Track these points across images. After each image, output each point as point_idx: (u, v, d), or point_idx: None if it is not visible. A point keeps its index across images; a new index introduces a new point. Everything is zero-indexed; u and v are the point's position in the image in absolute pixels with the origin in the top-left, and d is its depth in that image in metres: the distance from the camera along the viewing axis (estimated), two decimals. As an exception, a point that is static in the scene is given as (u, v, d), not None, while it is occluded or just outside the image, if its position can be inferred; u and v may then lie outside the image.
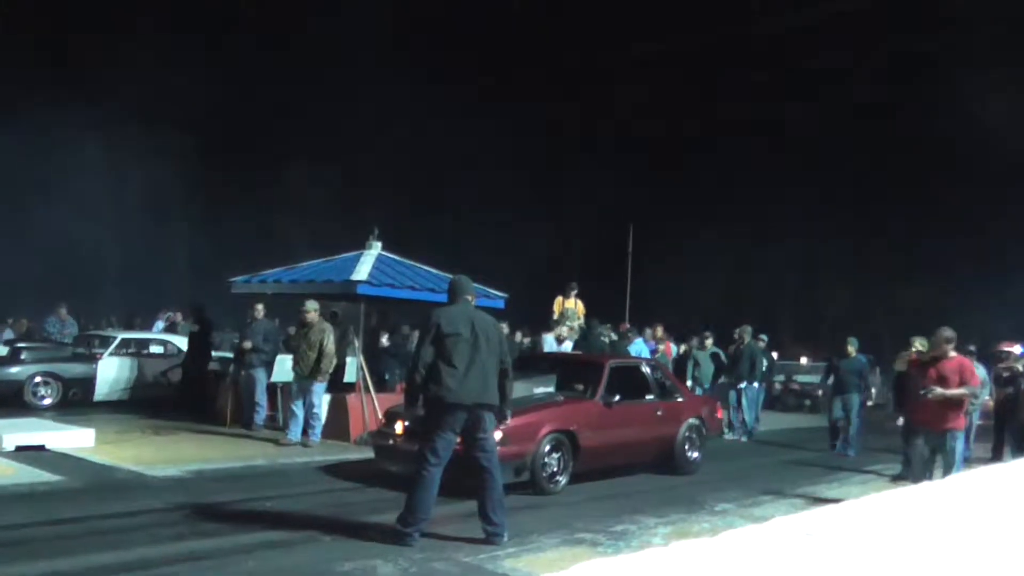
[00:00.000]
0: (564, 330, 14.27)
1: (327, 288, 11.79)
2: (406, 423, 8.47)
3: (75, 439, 9.81)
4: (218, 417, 12.42)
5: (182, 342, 15.15)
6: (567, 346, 13.86)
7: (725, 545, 6.48)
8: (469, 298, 6.63)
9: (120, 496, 7.63)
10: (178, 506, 7.29)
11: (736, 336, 14.74)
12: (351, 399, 11.60)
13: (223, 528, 6.64)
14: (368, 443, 9.96)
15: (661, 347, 15.68)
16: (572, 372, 10.05)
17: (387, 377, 13.68)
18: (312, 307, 11.28)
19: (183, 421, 12.27)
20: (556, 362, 10.96)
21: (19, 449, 9.32)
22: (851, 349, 12.99)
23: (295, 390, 11.09)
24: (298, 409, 10.96)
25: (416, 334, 15.43)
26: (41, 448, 9.47)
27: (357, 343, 12.05)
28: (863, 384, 13.12)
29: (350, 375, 13.21)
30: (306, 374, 10.96)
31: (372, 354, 13.27)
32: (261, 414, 11.48)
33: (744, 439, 14.08)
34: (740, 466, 11.63)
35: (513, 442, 8.24)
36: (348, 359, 13.29)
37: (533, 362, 10.96)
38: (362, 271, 11.54)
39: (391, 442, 8.65)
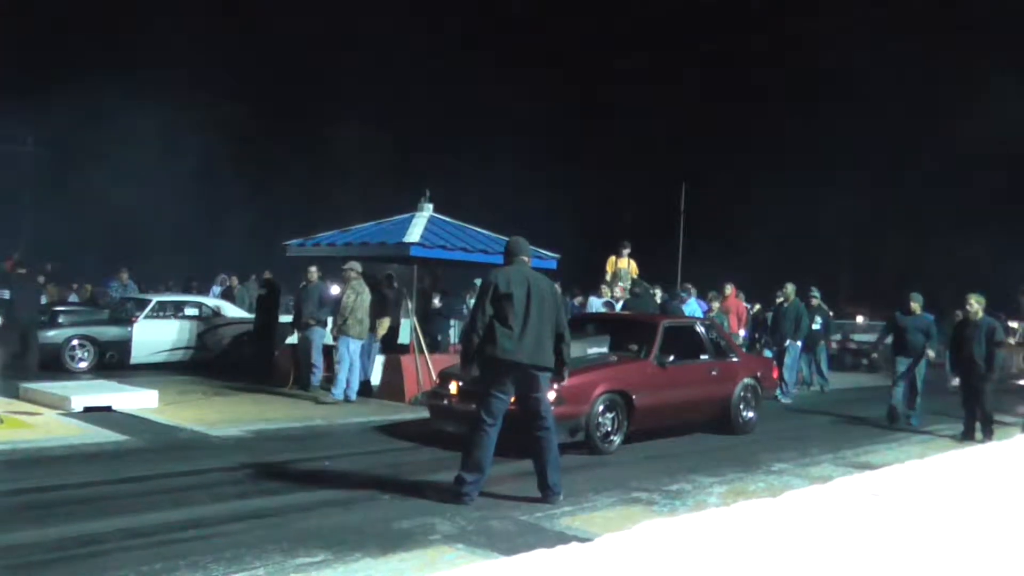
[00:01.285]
0: (617, 290, 14.15)
1: (380, 251, 11.87)
2: (460, 383, 8.51)
3: (140, 400, 10.06)
4: (279, 379, 12.62)
5: (219, 305, 15.37)
6: (619, 307, 13.75)
7: (788, 505, 6.43)
8: (525, 259, 6.59)
9: (184, 455, 7.81)
10: (240, 465, 7.43)
11: (780, 295, 14.36)
12: (405, 360, 11.70)
13: (284, 486, 6.74)
14: (423, 403, 10.03)
15: (715, 307, 15.39)
16: (626, 332, 9.99)
17: (439, 338, 13.73)
18: (354, 267, 11.36)
19: (243, 382, 12.51)
20: (610, 322, 10.90)
21: (87, 410, 9.59)
22: (915, 306, 11.85)
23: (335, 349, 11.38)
24: (343, 363, 11.21)
25: (470, 296, 15.60)
26: (108, 409, 9.73)
27: (411, 304, 12.10)
28: (929, 342, 11.80)
29: (404, 336, 13.32)
30: (337, 332, 11.27)
31: (425, 315, 13.32)
32: (318, 375, 11.64)
33: (788, 400, 13.72)
34: (796, 426, 11.49)
35: (568, 402, 8.24)
36: (402, 320, 13.38)
37: (587, 322, 10.91)
38: (414, 233, 11.59)
39: (446, 402, 8.70)
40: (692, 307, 13.96)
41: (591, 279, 17.04)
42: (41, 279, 17.83)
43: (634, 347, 9.64)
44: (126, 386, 10.71)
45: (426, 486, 6.77)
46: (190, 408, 10.26)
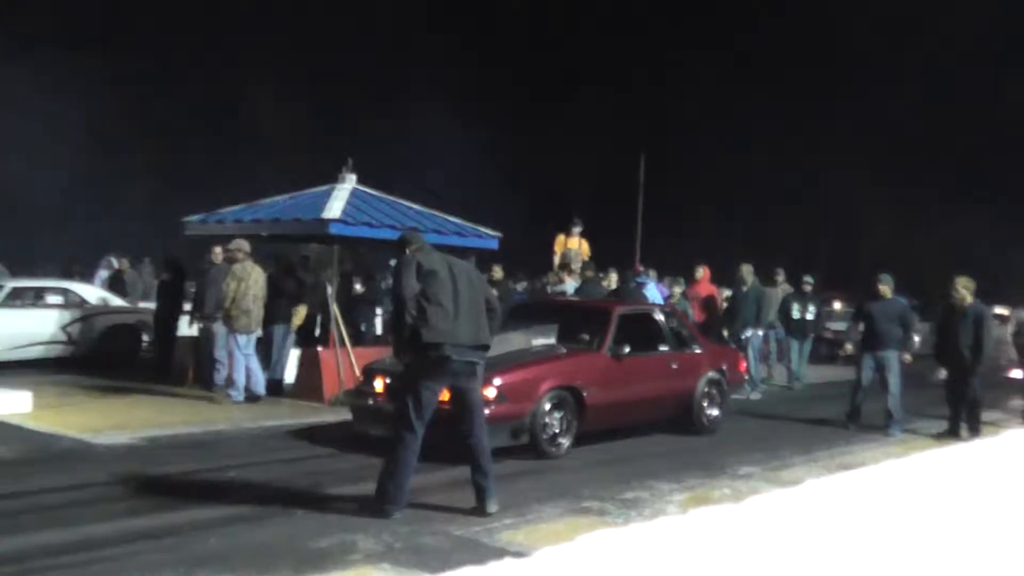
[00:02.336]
0: (564, 275, 14.21)
1: (295, 228, 11.76)
2: (387, 380, 8.48)
3: (8, 403, 9.77)
4: (177, 378, 12.43)
5: (87, 291, 14.91)
6: (567, 291, 13.79)
7: (751, 512, 6.54)
8: (428, 248, 6.66)
9: (64, 468, 7.63)
10: (131, 477, 7.30)
11: (739, 277, 14.44)
12: (324, 354, 11.61)
13: (182, 501, 6.65)
14: (344, 404, 9.98)
15: (676, 293, 15.54)
16: (576, 321, 10.04)
17: (364, 329, 13.67)
18: (241, 247, 11.27)
19: (135, 382, 12.26)
20: (558, 310, 10.94)
21: (-52, 415, 9.30)
22: (884, 288, 11.29)
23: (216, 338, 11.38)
24: (233, 360, 11.15)
25: (386, 280, 15.44)
26: (-29, 414, 9.45)
27: (330, 290, 12.01)
28: (905, 335, 11.37)
29: (324, 327, 13.21)
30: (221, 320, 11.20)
31: (347, 303, 13.23)
32: (222, 372, 11.48)
33: (756, 396, 13.91)
34: (765, 425, 11.69)
35: (510, 400, 8.27)
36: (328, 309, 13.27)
37: (532, 310, 10.94)
38: (335, 208, 11.49)
39: (371, 402, 8.67)
40: (652, 292, 14.07)
41: (540, 262, 17.11)
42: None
43: (585, 337, 9.69)
44: (-7, 387, 10.44)
45: (348, 498, 6.74)
46: (71, 412, 10.02)
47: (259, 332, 11.33)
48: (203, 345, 11.98)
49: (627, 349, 9.50)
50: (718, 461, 8.88)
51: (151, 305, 14.72)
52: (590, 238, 15.68)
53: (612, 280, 14.35)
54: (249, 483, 7.32)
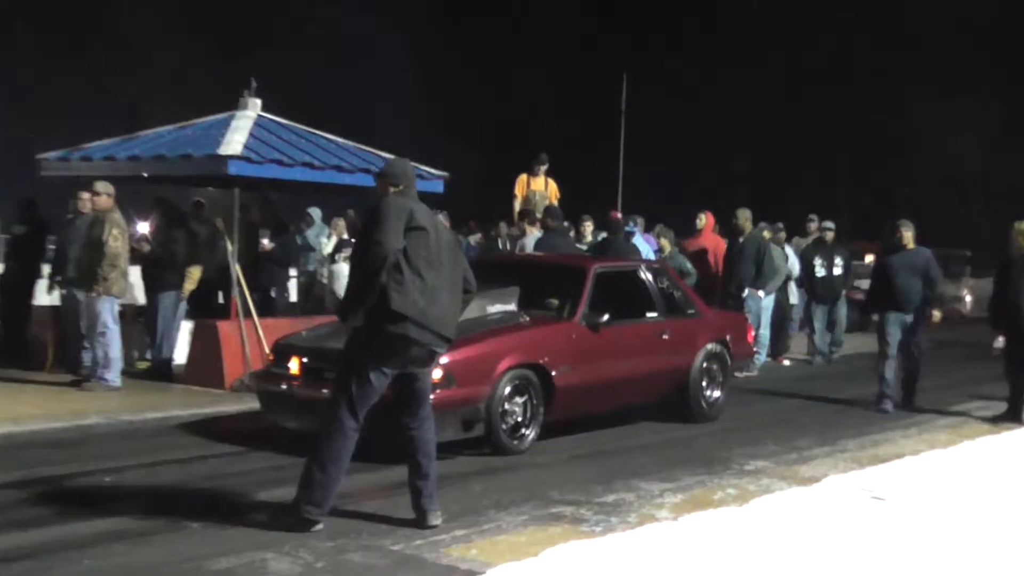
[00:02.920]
0: (527, 225, 14.19)
1: (183, 168, 11.65)
2: (305, 359, 8.44)
3: None
4: (34, 358, 12.30)
5: None
6: (527, 244, 13.78)
7: (758, 516, 6.62)
8: (415, 194, 6.62)
9: None
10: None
11: (735, 225, 14.41)
12: (224, 328, 11.56)
13: (48, 514, 6.60)
14: (251, 389, 9.92)
15: (664, 246, 15.61)
16: (542, 282, 10.04)
17: (273, 294, 13.58)
18: (104, 189, 11.18)
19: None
20: (519, 268, 10.94)
21: None
22: (907, 236, 11.57)
23: (81, 309, 11.25)
24: (109, 335, 11.08)
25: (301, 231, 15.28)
26: None
27: (231, 247, 11.91)
28: (931, 290, 11.55)
29: (223, 294, 13.08)
30: (84, 286, 11.06)
31: (253, 262, 13.13)
32: (98, 352, 11.32)
33: (750, 372, 13.85)
34: (780, 408, 11.84)
35: (460, 383, 8.25)
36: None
37: (486, 269, 10.93)
38: (234, 141, 11.40)
39: (284, 387, 8.63)
40: (640, 244, 14.10)
41: (497, 209, 17.08)
42: None
43: (554, 303, 9.70)
44: None
45: (256, 507, 6.72)
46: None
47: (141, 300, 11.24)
48: (66, 317, 11.86)
49: (606, 316, 9.52)
50: (721, 454, 8.97)
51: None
52: (560, 179, 15.66)
53: (587, 230, 14.32)
54: (130, 490, 7.28)
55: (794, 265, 15.75)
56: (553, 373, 8.96)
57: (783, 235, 16.21)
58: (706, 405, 10.59)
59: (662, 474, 8.12)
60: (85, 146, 12.65)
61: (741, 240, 14.28)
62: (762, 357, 14.87)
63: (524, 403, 8.81)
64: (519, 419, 8.78)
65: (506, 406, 8.66)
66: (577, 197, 16.35)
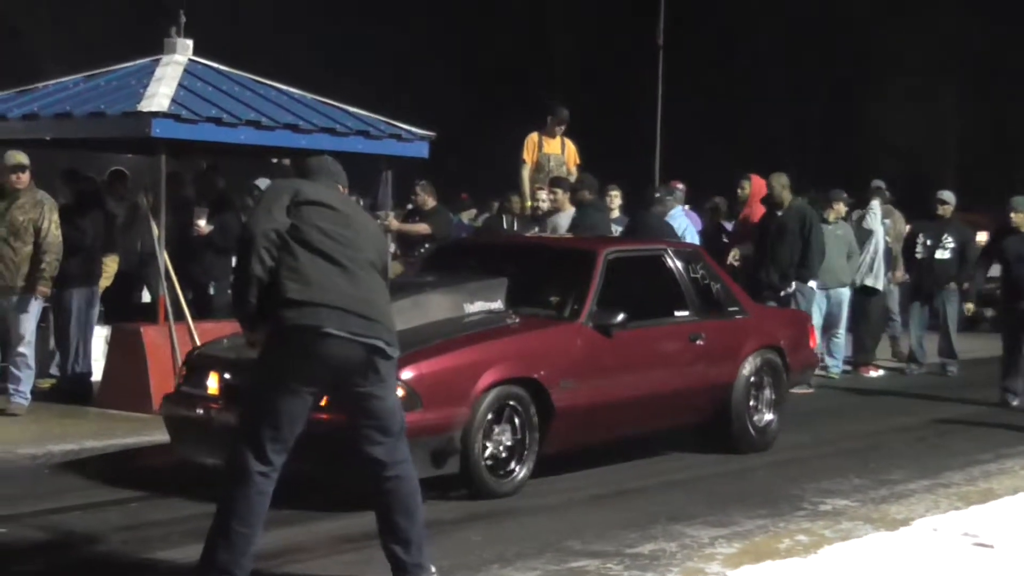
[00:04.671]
0: (543, 195, 14.08)
1: (94, 128, 11.68)
2: (226, 375, 8.30)
3: None
4: None
5: None
6: (560, 224, 13.67)
7: (831, 569, 6.49)
8: (341, 188, 6.64)
9: None
10: None
11: (773, 197, 14.10)
12: (150, 334, 11.49)
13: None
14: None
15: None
16: (537, 271, 9.90)
17: (212, 291, 13.49)
18: (18, 160, 11.09)
19: None
20: (507, 254, 10.72)
21: None
22: (1019, 218, 12.29)
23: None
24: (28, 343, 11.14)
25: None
26: None
27: (157, 231, 11.85)
28: None
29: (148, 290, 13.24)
30: (10, 283, 11.04)
31: (186, 250, 13.07)
32: (24, 369, 11.33)
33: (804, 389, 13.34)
34: (859, 432, 11.73)
35: (429, 403, 8.02)
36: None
37: (463, 255, 10.89)
38: (159, 94, 11.32)
39: (199, 411, 8.48)
40: (679, 221, 13.97)
41: (499, 178, 16.99)
42: None
43: (552, 298, 9.49)
44: None
45: (159, 569, 6.72)
46: None
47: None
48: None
49: (621, 316, 9.25)
50: (788, 491, 8.90)
51: None
52: (579, 140, 15.54)
53: (614, 203, 14.17)
54: (26, 545, 7.28)
55: (877, 244, 15.50)
56: (551, 391, 8.72)
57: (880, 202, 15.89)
58: (754, 431, 10.43)
59: (712, 517, 8.03)
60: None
61: (779, 214, 14.02)
62: (838, 365, 14.78)
63: (514, 430, 8.59)
64: (504, 451, 8.54)
65: (488, 434, 8.43)
66: (603, 162, 16.19)
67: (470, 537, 7.40)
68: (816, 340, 12.00)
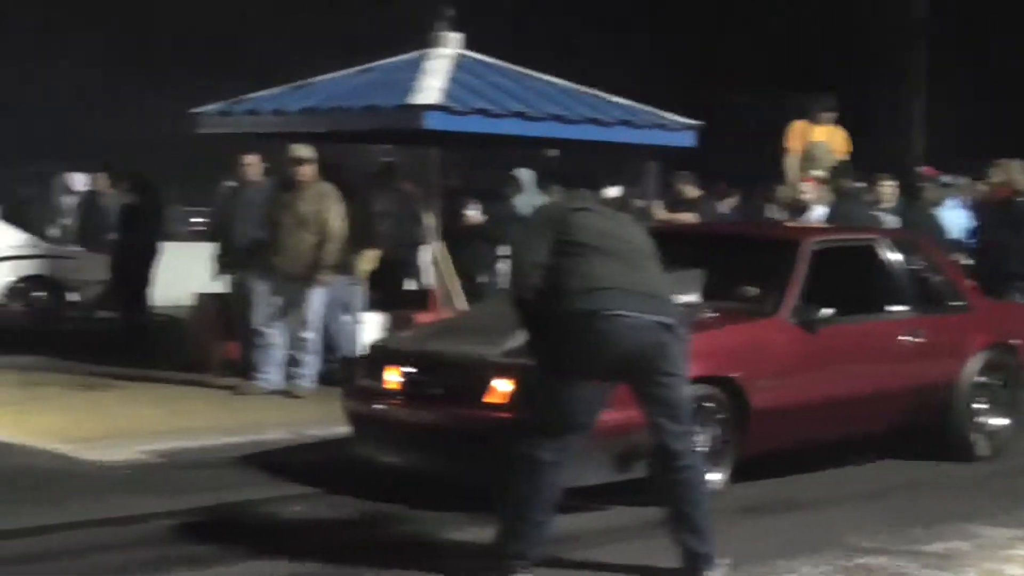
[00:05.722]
0: (808, 187, 13.92)
1: (368, 120, 12.00)
2: (408, 370, 8.20)
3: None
4: (192, 358, 12.85)
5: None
6: (815, 216, 13.55)
7: None
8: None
9: (46, 497, 7.96)
10: (144, 517, 7.53)
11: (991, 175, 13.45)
12: (422, 321, 11.61)
13: (225, 552, 6.83)
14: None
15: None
16: (735, 262, 9.46)
17: (481, 280, 13.64)
18: (306, 154, 11.46)
19: (126, 367, 12.72)
20: (703, 243, 10.37)
21: None
22: None
23: (271, 300, 11.58)
24: (274, 333, 11.51)
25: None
26: None
27: (428, 221, 12.11)
28: None
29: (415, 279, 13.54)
30: (296, 271, 11.39)
31: (454, 240, 13.38)
32: (274, 354, 11.75)
33: None
34: None
35: (616, 403, 7.50)
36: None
37: (662, 244, 10.83)
38: (430, 87, 11.57)
39: (377, 406, 8.38)
40: (956, 215, 13.59)
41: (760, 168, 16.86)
42: None
43: (752, 291, 9.13)
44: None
45: (441, 550, 6.92)
46: (46, 412, 10.48)
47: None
48: (235, 307, 12.31)
49: (827, 311, 8.82)
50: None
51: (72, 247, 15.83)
52: (849, 126, 15.25)
53: (886, 195, 13.95)
54: (330, 523, 7.55)
55: None
56: (749, 391, 8.34)
57: None
58: (981, 436, 9.86)
59: (1006, 516, 7.83)
60: (248, 97, 13.09)
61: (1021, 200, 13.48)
62: None
63: (713, 432, 8.19)
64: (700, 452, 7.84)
65: None
66: (869, 151, 15.92)
67: (743, 524, 7.41)
68: None
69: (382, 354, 8.62)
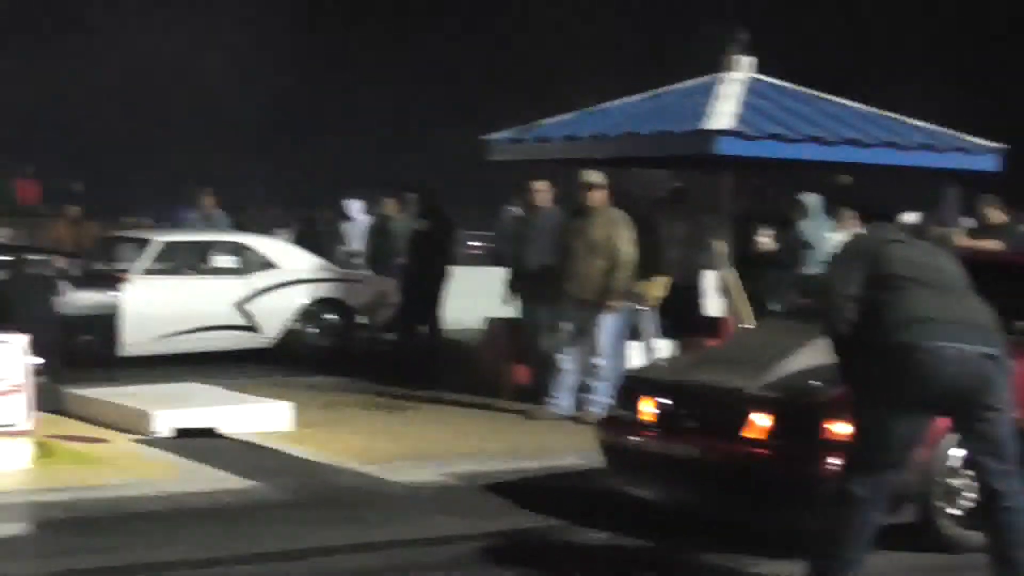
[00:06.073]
0: None
1: (660, 146, 12.02)
2: (664, 400, 7.99)
3: (263, 418, 10.73)
4: (483, 381, 13.05)
5: (273, 248, 16.03)
6: None
7: None
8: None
9: (356, 516, 8.21)
10: (455, 539, 7.67)
11: None
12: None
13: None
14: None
15: None
16: (1015, 287, 8.64)
17: (780, 307, 13.48)
18: (597, 180, 11.48)
19: (418, 388, 13.05)
20: (981, 268, 9.76)
21: (182, 435, 10.27)
22: None
23: (562, 326, 11.64)
24: (566, 358, 11.57)
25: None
26: (210, 433, 10.40)
27: (718, 247, 12.04)
28: None
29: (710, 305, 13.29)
30: (587, 296, 11.41)
31: (745, 267, 13.29)
32: (569, 378, 11.85)
33: None
34: None
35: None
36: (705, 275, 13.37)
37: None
38: (723, 111, 11.56)
39: (632, 438, 8.14)
40: None
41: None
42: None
43: None
44: (236, 394, 11.50)
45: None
46: (344, 432, 10.82)
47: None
48: (528, 334, 12.51)
49: None
50: None
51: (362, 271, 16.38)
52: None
53: None
54: (622, 556, 7.50)
55: None
56: None
57: None
58: None
59: None
60: (537, 124, 13.26)
61: None
62: None
63: None
64: (972, 498, 7.24)
65: (949, 480, 7.41)
66: None
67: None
68: None
69: (637, 384, 8.47)
